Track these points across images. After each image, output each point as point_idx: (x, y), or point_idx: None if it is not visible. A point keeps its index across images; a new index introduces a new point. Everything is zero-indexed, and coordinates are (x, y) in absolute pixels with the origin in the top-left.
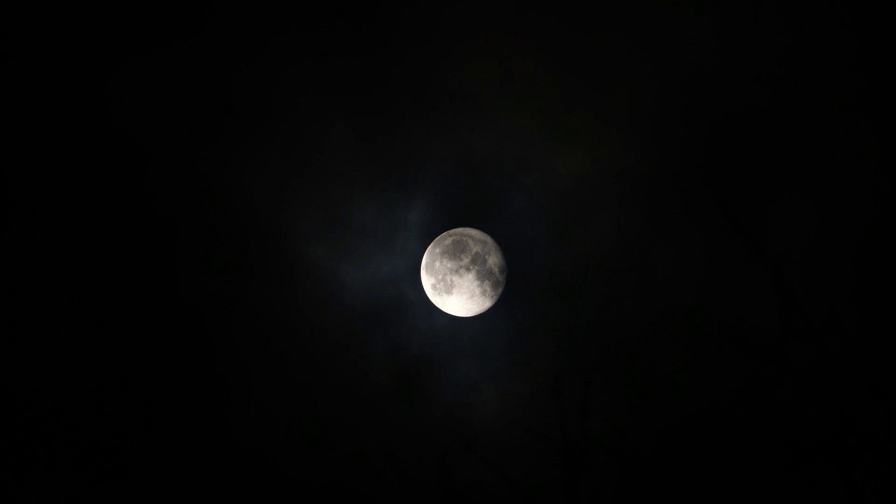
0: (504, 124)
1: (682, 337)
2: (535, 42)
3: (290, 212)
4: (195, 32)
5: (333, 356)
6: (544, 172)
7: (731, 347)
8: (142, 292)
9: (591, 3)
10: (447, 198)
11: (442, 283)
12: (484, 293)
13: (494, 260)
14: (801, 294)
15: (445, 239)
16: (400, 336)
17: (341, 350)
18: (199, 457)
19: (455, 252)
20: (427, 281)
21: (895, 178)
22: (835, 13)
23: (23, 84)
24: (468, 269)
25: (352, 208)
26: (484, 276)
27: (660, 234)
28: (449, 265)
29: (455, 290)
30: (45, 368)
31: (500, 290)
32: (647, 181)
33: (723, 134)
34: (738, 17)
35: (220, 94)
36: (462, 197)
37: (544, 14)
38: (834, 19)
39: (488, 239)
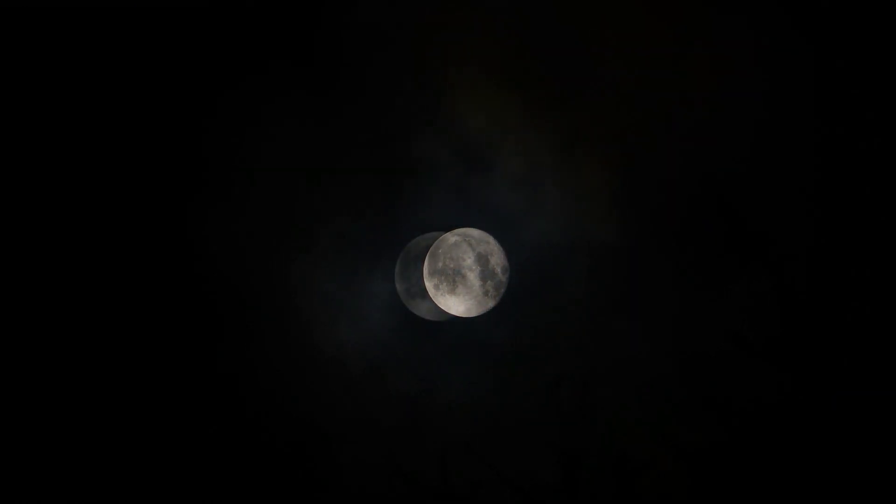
0: (472, 196)
1: (681, 340)
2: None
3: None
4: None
5: (327, 371)
6: (512, 241)
7: (731, 348)
8: (134, 348)
9: (568, 71)
10: (413, 265)
11: (444, 284)
12: (486, 293)
13: (496, 260)
14: (800, 294)
15: (448, 239)
16: (400, 337)
17: (336, 364)
18: (198, 475)
19: (457, 252)
20: (429, 282)
21: (894, 178)
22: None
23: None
24: (470, 270)
25: (319, 274)
26: (486, 276)
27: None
28: (451, 265)
29: (458, 291)
30: (42, 390)
31: (502, 290)
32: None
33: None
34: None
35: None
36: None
37: (516, 88)
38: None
39: (490, 239)
